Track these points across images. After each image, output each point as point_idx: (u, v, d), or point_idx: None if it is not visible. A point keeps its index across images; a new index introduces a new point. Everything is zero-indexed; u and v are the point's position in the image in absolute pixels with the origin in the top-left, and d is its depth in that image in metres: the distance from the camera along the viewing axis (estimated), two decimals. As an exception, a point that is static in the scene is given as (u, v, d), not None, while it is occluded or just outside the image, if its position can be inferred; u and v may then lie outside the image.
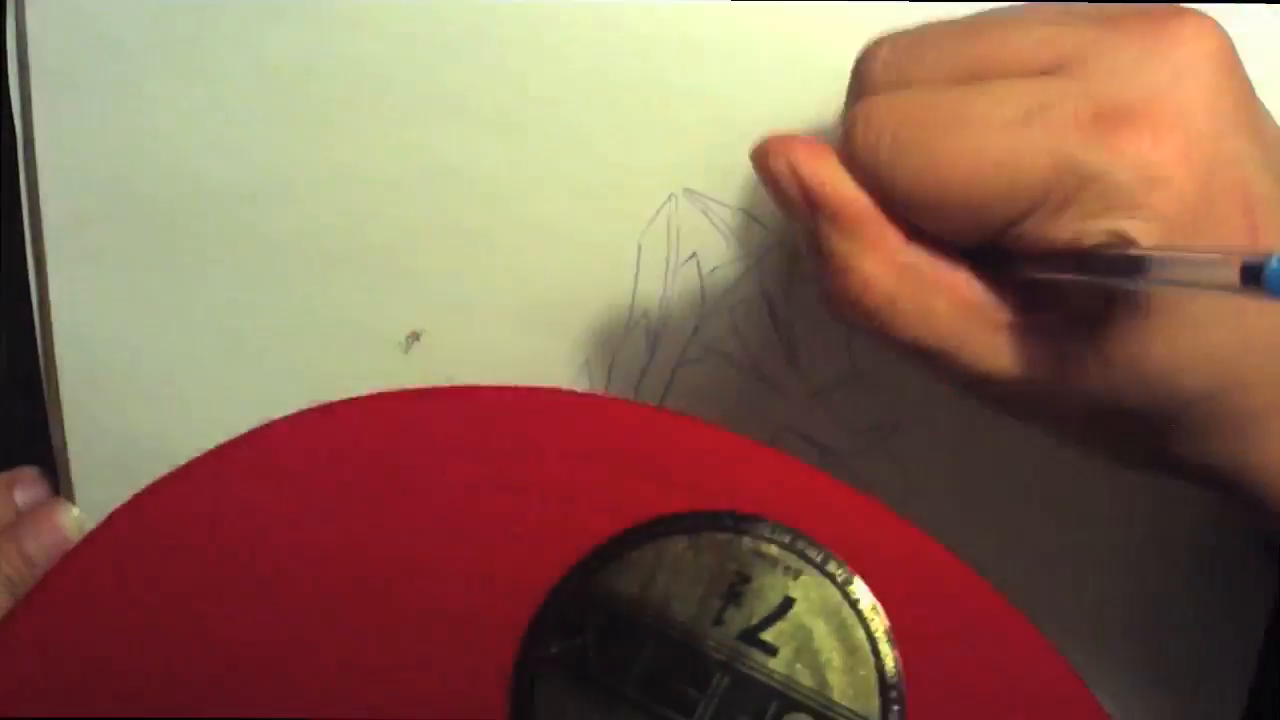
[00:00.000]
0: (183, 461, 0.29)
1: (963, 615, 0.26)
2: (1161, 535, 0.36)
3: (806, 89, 0.34)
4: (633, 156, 0.34)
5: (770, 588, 0.24)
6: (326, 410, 0.28)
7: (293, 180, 0.34)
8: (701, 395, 0.36)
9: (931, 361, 0.26)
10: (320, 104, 0.34)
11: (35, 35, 0.33)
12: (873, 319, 0.26)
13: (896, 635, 0.24)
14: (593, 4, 0.33)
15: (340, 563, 0.25)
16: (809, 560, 0.24)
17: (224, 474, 0.28)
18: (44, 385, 0.35)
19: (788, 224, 0.35)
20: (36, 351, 0.35)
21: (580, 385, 0.35)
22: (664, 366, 0.35)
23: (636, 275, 0.35)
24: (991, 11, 0.27)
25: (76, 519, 0.34)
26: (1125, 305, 0.24)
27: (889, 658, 0.23)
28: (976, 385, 0.27)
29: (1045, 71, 0.25)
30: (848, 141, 0.26)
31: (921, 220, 0.26)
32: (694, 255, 0.35)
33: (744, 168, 0.34)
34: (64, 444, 0.35)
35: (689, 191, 0.34)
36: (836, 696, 0.22)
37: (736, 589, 0.24)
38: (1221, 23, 0.25)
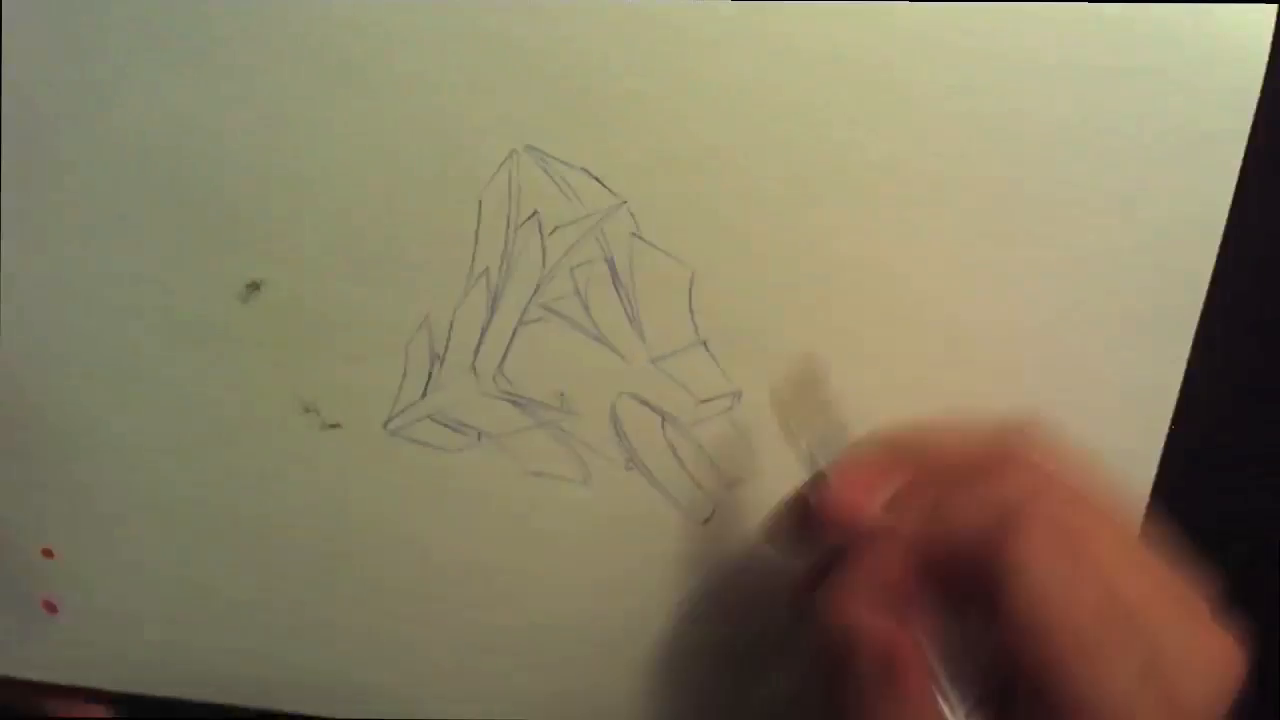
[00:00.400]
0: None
1: None
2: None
3: (654, 44, 0.33)
4: (475, 110, 0.33)
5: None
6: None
7: (131, 128, 0.33)
8: (542, 356, 0.35)
9: None
10: (163, 54, 0.33)
11: None
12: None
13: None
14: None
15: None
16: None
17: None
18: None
19: (631, 185, 0.34)
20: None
21: (420, 341, 0.35)
22: (504, 326, 0.35)
23: (477, 232, 0.34)
24: None
25: None
26: None
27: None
28: None
29: None
30: None
31: None
32: (535, 214, 0.34)
33: (588, 125, 0.33)
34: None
35: (531, 149, 0.33)
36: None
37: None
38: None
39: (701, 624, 0.37)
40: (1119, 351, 0.35)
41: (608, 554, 0.36)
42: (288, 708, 0.38)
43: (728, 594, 0.37)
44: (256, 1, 0.33)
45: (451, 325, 0.35)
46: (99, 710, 0.39)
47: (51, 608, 0.37)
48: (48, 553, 0.37)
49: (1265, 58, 0.33)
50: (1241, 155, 0.34)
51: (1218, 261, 0.34)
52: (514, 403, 0.35)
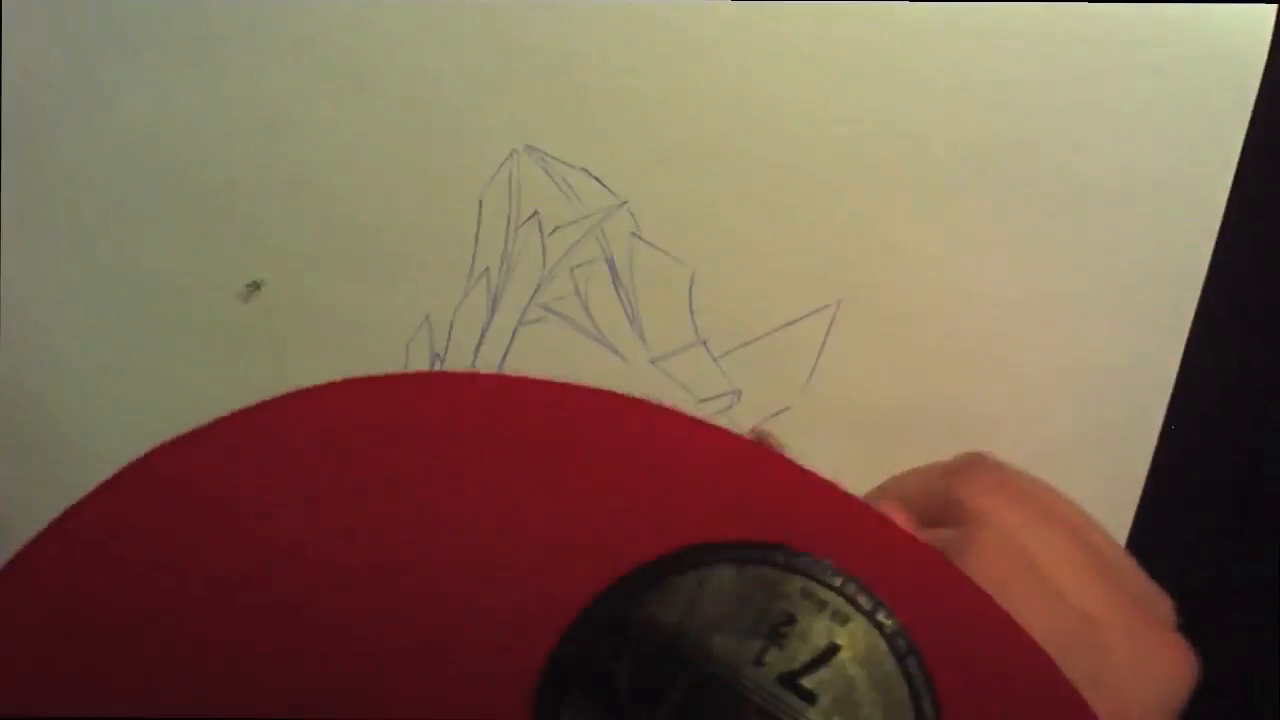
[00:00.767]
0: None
1: (1013, 685, 0.24)
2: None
3: (654, 44, 0.33)
4: (475, 110, 0.33)
5: (815, 631, 0.22)
6: (344, 387, 0.24)
7: (131, 128, 0.33)
8: (542, 356, 0.35)
9: None
10: (163, 54, 0.33)
11: None
12: None
13: (941, 696, 0.22)
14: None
15: (348, 557, 0.22)
16: (858, 607, 0.22)
17: (236, 447, 0.24)
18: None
19: (631, 185, 0.34)
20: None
21: (420, 340, 0.35)
22: (505, 326, 0.35)
23: (478, 232, 0.34)
24: None
25: None
26: None
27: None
28: None
29: None
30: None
31: None
32: (536, 214, 0.34)
33: (588, 125, 0.33)
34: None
35: (531, 149, 0.33)
36: (868, 754, 0.21)
37: (781, 629, 0.22)
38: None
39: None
40: (1116, 347, 0.35)
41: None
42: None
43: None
44: (257, 1, 0.33)
45: (452, 325, 0.35)
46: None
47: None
48: (48, 553, 0.37)
49: (1264, 57, 0.33)
50: (1239, 153, 0.34)
51: (1214, 256, 0.34)
52: (514, 402, 0.35)
